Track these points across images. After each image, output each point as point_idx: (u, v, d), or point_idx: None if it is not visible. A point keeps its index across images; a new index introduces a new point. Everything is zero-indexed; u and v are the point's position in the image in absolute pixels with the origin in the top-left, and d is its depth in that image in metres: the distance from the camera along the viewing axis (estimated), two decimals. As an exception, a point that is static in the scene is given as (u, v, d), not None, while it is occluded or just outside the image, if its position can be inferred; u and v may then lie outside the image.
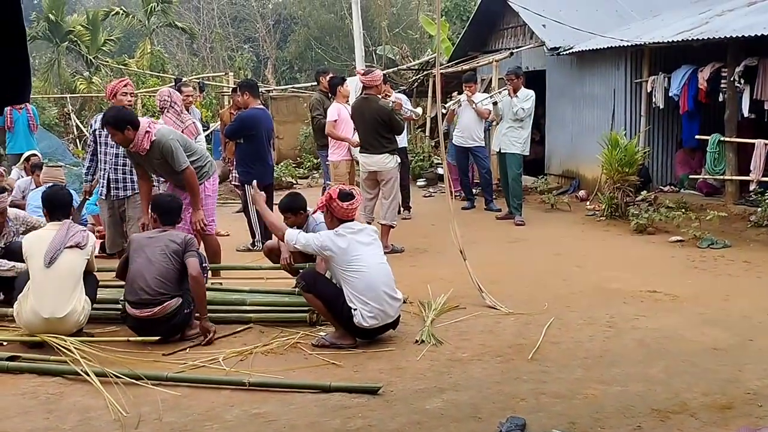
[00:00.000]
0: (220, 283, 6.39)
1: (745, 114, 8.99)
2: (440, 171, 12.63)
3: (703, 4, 11.46)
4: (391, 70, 16.93)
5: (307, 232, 6.18)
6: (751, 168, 8.90)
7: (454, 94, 12.71)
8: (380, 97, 8.24)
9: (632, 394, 4.01)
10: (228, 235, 9.00)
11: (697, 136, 9.86)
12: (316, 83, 11.00)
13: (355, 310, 4.89)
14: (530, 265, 7.38)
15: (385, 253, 7.27)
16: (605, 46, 10.52)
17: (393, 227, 8.22)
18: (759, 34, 8.14)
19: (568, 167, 12.03)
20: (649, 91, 10.33)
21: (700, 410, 3.74)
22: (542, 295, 6.16)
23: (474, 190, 11.27)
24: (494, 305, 5.83)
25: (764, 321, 5.28)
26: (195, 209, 6.28)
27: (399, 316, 5.14)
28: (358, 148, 8.46)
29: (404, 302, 5.43)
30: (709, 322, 5.30)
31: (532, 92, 9.78)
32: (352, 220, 5.10)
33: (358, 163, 8.79)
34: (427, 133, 14.99)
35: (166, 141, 6.04)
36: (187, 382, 4.34)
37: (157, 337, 4.99)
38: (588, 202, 10.67)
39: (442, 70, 14.30)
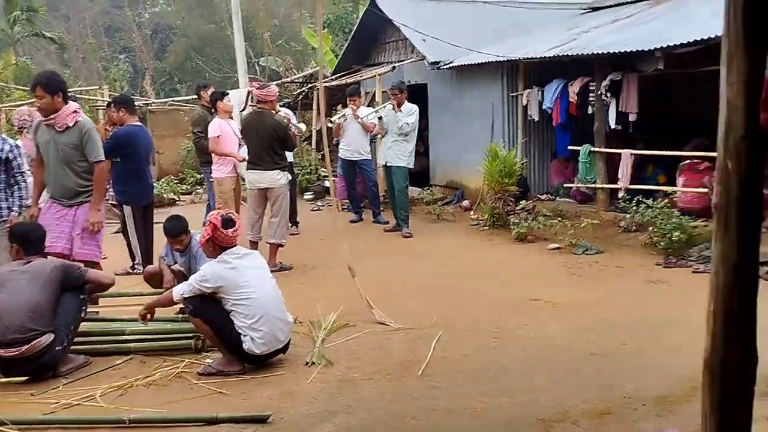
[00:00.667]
0: (97, 312, 6.04)
1: (612, 125, 9.54)
2: (327, 184, 12.61)
3: (572, 22, 12.10)
4: (275, 82, 16.72)
5: (191, 253, 5.98)
6: (619, 176, 9.46)
7: (339, 107, 12.75)
8: (274, 112, 8.12)
9: (518, 405, 4.13)
10: (105, 258, 8.55)
11: (569, 147, 10.38)
12: (197, 97, 10.70)
13: (245, 336, 4.75)
14: (418, 277, 7.48)
15: (273, 271, 7.15)
16: (483, 61, 10.88)
17: (282, 246, 8.10)
18: (621, 51, 8.67)
19: (452, 178, 12.33)
20: (524, 104, 10.78)
21: (581, 417, 3.89)
22: (431, 308, 6.25)
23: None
24: (384, 321, 5.85)
25: (636, 324, 5.59)
26: (94, 209, 6.02)
27: (290, 339, 5.05)
28: (244, 163, 8.28)
29: (294, 323, 5.34)
30: (587, 328, 5.56)
31: (415, 107, 9.96)
32: (235, 246, 4.95)
33: (243, 179, 8.60)
34: (314, 146, 14.93)
35: (91, 127, 6.05)
36: (60, 423, 4.05)
37: (25, 377, 4.63)
38: (472, 212, 10.99)
39: (326, 83, 14.36)
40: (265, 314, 4.76)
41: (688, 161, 8.88)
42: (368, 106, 12.11)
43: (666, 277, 7.06)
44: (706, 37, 7.47)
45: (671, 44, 8.01)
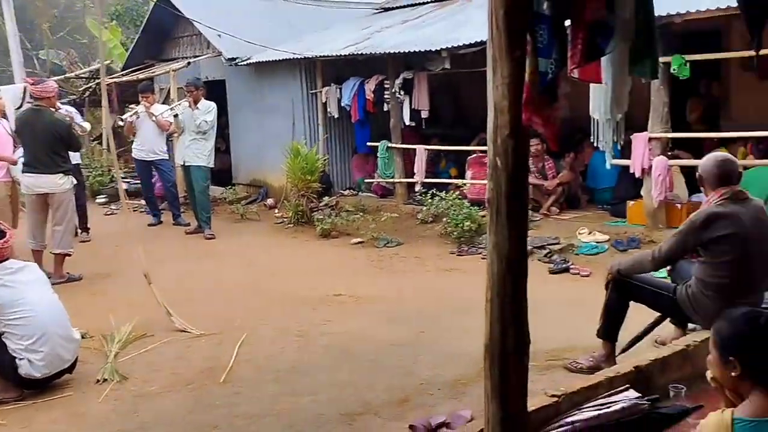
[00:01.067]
0: None
1: (407, 122, 9.95)
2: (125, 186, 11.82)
3: (366, 21, 12.42)
4: (57, 77, 15.38)
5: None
6: (415, 171, 9.89)
7: (132, 105, 12.02)
8: (53, 110, 7.42)
9: (323, 401, 4.15)
10: None
11: (368, 143, 10.67)
12: (-38, 94, 9.51)
13: (21, 359, 4.29)
14: (222, 280, 7.28)
15: (58, 283, 6.56)
16: (281, 58, 10.82)
17: (69, 255, 7.46)
18: (412, 50, 9.05)
19: (256, 176, 12.15)
20: (324, 101, 10.89)
21: (382, 408, 4.00)
22: (235, 310, 6.10)
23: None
24: (185, 328, 5.61)
25: (433, 312, 5.87)
26: None
27: (77, 357, 4.66)
28: (20, 166, 7.51)
29: (83, 338, 4.94)
30: (389, 319, 5.74)
31: (213, 104, 9.66)
32: (7, 259, 4.46)
33: (20, 183, 7.79)
34: (105, 146, 13.96)
35: None
36: None
37: None
38: (276, 210, 10.90)
39: (116, 79, 13.47)
40: (45, 333, 4.34)
41: (475, 155, 9.49)
42: (163, 103, 11.54)
43: (459, 265, 7.50)
44: (482, 40, 8.02)
45: (455, 45, 8.50)
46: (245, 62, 11.51)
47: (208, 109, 9.51)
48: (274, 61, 11.06)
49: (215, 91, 11.87)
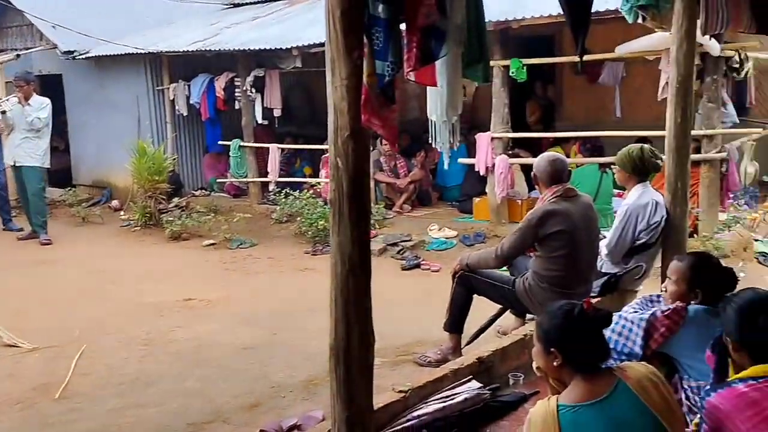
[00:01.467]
0: None
1: (259, 120, 9.79)
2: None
3: (214, 16, 12.08)
4: None
5: None
6: (269, 170, 9.75)
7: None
8: None
9: (169, 412, 3.98)
10: None
11: (220, 142, 10.39)
12: None
13: None
14: (61, 288, 6.79)
15: None
16: (124, 53, 10.27)
17: None
18: (262, 48, 8.91)
19: (99, 177, 11.47)
20: (171, 98, 10.47)
21: (232, 414, 3.90)
22: (74, 321, 5.72)
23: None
24: (15, 343, 5.17)
25: (287, 313, 5.81)
26: None
27: None
28: None
29: None
30: (241, 322, 5.61)
31: (47, 100, 8.99)
32: None
33: None
34: None
35: None
36: None
37: None
38: (122, 212, 10.34)
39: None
40: None
41: (328, 154, 9.51)
42: (-10, 98, 10.58)
43: (314, 264, 7.48)
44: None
45: (306, 44, 8.47)
46: (83, 56, 10.82)
47: (41, 106, 8.84)
48: (117, 56, 10.48)
49: (50, 86, 11.07)
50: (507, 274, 4.49)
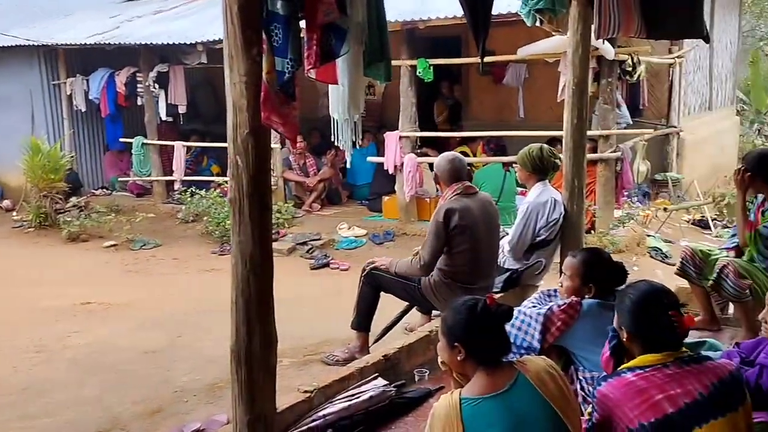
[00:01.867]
0: None
1: (163, 117, 9.49)
2: None
3: (114, 8, 11.60)
4: None
5: None
6: (174, 168, 9.47)
7: None
8: None
9: (63, 422, 3.79)
10: None
11: (121, 139, 10.01)
12: None
13: None
14: (-57, 295, 6.35)
15: None
16: (14, 44, 9.71)
17: None
18: (166, 42, 8.64)
19: (-11, 175, 10.79)
20: (69, 93, 9.99)
21: (131, 421, 3.76)
22: (-41, 329, 5.35)
23: None
24: None
25: (192, 315, 5.65)
26: None
27: None
28: None
29: None
30: (143, 325, 5.42)
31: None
32: None
33: None
34: None
35: None
36: None
37: None
38: (15, 213, 9.78)
39: None
40: None
41: (236, 152, 9.33)
42: None
43: (221, 265, 7.31)
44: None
45: (210, 39, 8.27)
46: (-29, 47, 10.16)
47: None
48: (7, 47, 9.89)
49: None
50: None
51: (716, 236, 8.06)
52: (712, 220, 8.63)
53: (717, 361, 2.26)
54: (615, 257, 6.57)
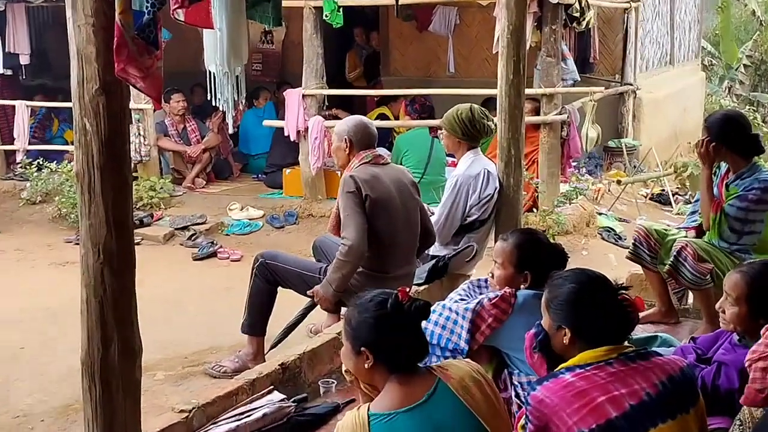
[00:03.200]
0: None
1: (1, 70, 9.10)
2: None
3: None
4: None
5: None
6: (15, 135, 9.08)
7: None
8: None
9: None
10: None
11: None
12: None
13: None
14: None
15: None
16: None
17: None
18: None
19: None
20: None
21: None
22: None
23: None
24: None
25: (38, 322, 5.47)
26: None
27: None
28: None
29: None
30: (-25, 334, 5.22)
31: None
32: None
33: None
34: None
35: None
36: None
37: None
38: None
39: None
40: None
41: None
42: None
43: (77, 257, 7.09)
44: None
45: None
46: None
47: None
48: None
49: None
50: (314, 260, 4.53)
51: (678, 213, 8.43)
52: (674, 195, 9.02)
53: (666, 357, 2.36)
54: (561, 240, 6.94)
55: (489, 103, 8.49)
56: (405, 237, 4.26)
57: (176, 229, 7.66)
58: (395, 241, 4.17)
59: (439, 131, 5.22)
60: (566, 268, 3.23)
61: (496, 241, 4.75)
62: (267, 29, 10.46)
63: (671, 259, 4.16)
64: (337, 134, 4.27)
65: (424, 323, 2.43)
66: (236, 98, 2.91)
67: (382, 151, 5.09)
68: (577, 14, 7.37)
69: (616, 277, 2.64)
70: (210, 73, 2.91)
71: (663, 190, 9.11)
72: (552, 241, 3.34)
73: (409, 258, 4.35)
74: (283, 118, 8.23)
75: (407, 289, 2.39)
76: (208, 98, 3.03)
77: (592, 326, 2.37)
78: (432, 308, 3.22)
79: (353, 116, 4.49)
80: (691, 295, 4.55)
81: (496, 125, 4.79)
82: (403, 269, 4.26)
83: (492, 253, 3.32)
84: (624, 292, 2.43)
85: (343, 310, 4.54)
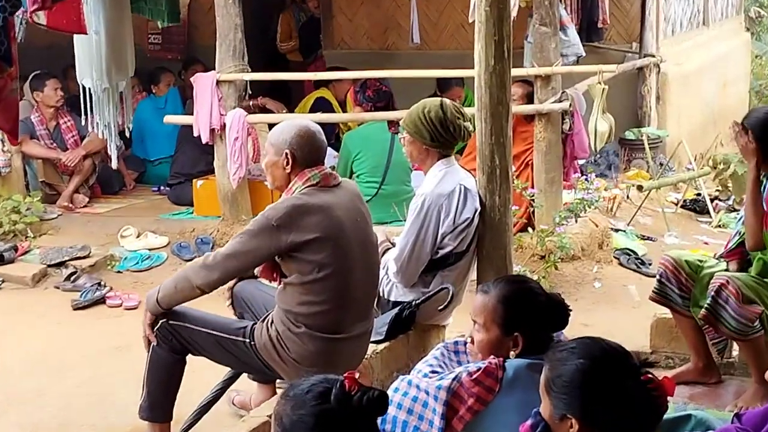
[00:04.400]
0: None
1: None
2: None
3: None
4: None
5: None
6: None
7: None
8: None
9: None
10: None
11: None
12: None
13: None
14: None
15: None
16: None
17: None
18: None
19: None
20: None
21: None
22: None
23: None
24: None
25: None
26: None
27: None
28: None
29: None
30: None
31: None
32: None
33: None
34: None
35: None
36: None
37: None
38: None
39: None
40: None
41: None
42: None
43: None
44: None
45: None
46: None
47: None
48: None
49: None
50: (235, 318, 4.50)
51: (718, 225, 8.53)
52: (713, 201, 9.10)
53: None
54: (567, 267, 6.97)
55: (447, 86, 8.54)
56: (363, 285, 4.26)
57: (49, 266, 7.58)
58: (350, 292, 4.16)
59: (400, 135, 5.21)
60: (568, 325, 3.27)
61: (479, 279, 4.80)
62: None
63: (709, 300, 4.22)
64: (274, 145, 4.23)
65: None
66: (120, 121, 2.89)
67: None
68: (578, -33, 7.44)
69: (639, 350, 2.68)
70: (84, 89, 2.88)
71: (699, 194, 9.20)
72: (550, 291, 3.36)
73: (367, 311, 4.35)
74: (191, 112, 8.16)
75: (356, 374, 2.39)
76: (83, 122, 3.00)
77: (606, 417, 2.39)
78: (394, 386, 3.25)
79: (294, 122, 4.42)
80: (735, 346, 4.61)
81: (472, 124, 4.80)
82: (360, 326, 4.25)
83: (471, 309, 3.33)
84: (649, 370, 2.45)
85: (279, 382, 4.55)
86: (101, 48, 2.72)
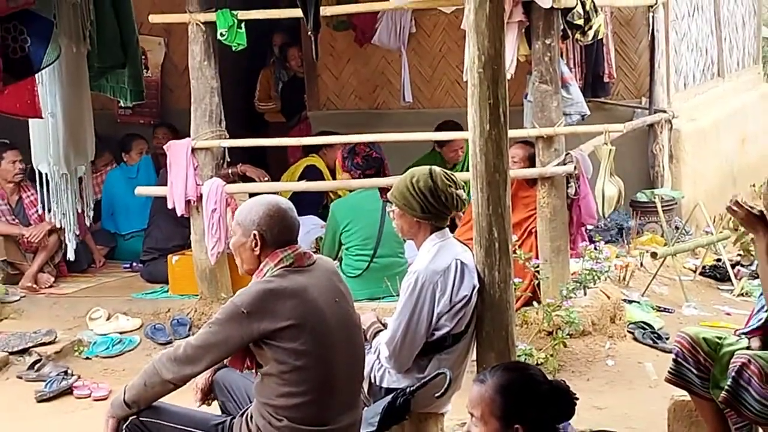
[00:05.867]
0: None
1: None
2: None
3: None
4: None
5: None
6: None
7: None
8: None
9: None
10: None
11: None
12: None
13: None
14: None
15: None
16: None
17: None
18: None
19: None
20: None
21: None
22: None
23: None
24: None
25: None
26: None
27: None
28: None
29: None
30: None
31: None
32: None
33: None
34: None
35: None
36: None
37: None
38: None
39: None
40: None
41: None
42: None
43: None
44: None
45: None
46: None
47: None
48: None
49: None
50: (211, 413, 4.48)
51: (741, 294, 8.50)
52: (734, 267, 9.09)
53: None
54: (577, 344, 6.94)
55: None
56: (347, 371, 4.24)
57: (11, 353, 7.56)
58: (334, 379, 4.15)
59: (388, 208, 5.22)
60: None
61: (478, 364, 4.77)
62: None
63: (729, 381, 4.22)
64: (241, 225, 4.23)
65: None
66: (80, 210, 2.91)
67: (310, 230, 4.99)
68: (581, 20, 7.45)
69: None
70: (41, 174, 2.91)
71: (719, 260, 9.20)
72: (553, 378, 3.35)
73: (354, 399, 4.33)
74: (164, 182, 8.17)
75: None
76: (39, 210, 3.03)
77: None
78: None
79: (263, 199, 4.40)
80: (760, 431, 4.59)
81: (467, 192, 4.81)
82: (347, 416, 4.23)
83: (467, 401, 3.32)
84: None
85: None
86: (58, 131, 2.74)
